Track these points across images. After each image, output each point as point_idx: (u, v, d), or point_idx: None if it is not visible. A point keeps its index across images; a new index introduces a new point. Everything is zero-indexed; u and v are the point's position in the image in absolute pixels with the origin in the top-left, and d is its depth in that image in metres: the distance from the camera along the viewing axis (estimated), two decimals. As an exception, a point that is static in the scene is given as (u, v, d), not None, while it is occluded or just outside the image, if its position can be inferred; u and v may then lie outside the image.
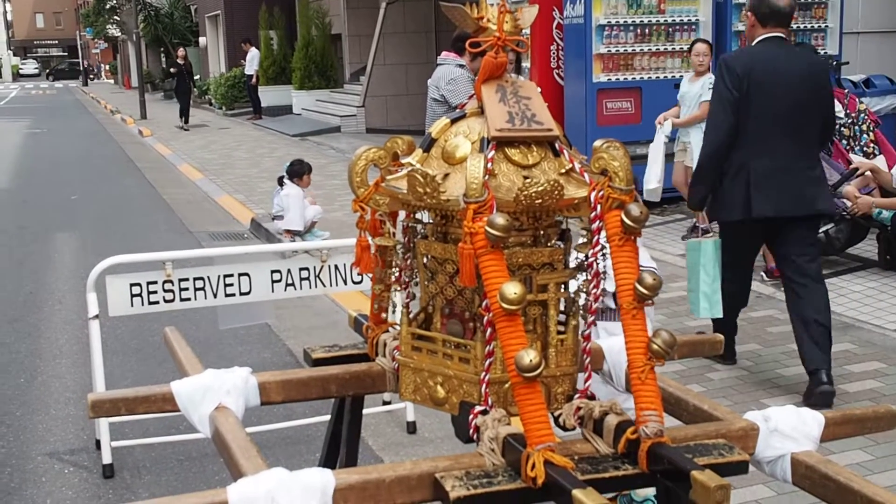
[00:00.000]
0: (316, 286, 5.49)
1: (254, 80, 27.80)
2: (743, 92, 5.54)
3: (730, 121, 5.61)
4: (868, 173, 8.33)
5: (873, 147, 9.49)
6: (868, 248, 8.65)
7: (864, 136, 9.53)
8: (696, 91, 9.67)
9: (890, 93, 11.76)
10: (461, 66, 7.65)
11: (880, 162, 8.88)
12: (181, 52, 28.94)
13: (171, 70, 28.74)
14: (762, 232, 5.86)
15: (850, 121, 9.47)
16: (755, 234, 5.93)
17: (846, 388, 5.86)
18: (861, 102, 9.78)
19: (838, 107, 9.29)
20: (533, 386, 2.31)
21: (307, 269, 5.45)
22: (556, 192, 2.45)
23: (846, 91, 10.00)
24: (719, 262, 5.80)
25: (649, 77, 11.20)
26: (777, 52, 5.65)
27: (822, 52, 11.33)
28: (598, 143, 2.57)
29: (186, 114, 27.27)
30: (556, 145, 2.63)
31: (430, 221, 2.72)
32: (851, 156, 9.04)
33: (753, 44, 5.75)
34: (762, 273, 8.24)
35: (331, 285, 5.52)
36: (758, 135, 5.60)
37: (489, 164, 2.47)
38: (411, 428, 5.56)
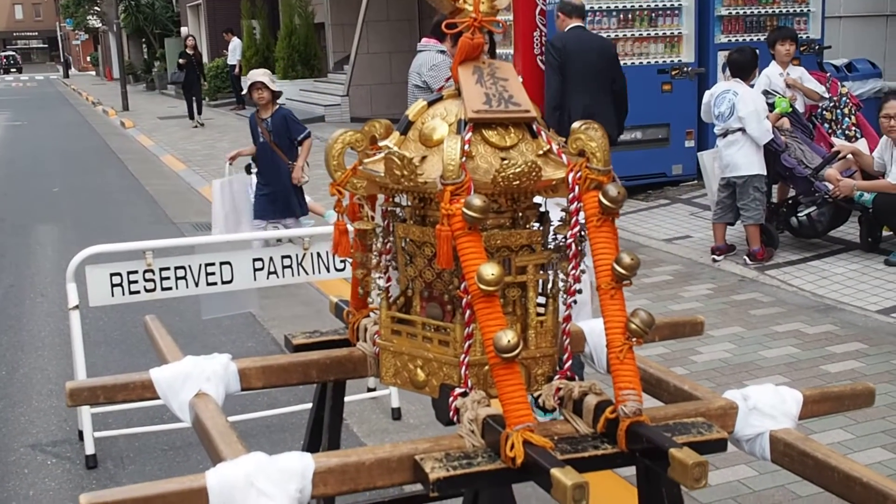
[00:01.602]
0: (298, 274, 5.48)
1: (236, 69, 27.67)
2: (562, 61, 8.18)
3: (558, 79, 8.44)
4: (850, 156, 8.36)
5: (855, 130, 9.51)
6: (850, 230, 8.68)
7: (846, 119, 9.55)
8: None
9: (872, 76, 11.79)
10: (442, 51, 7.64)
11: (862, 145, 8.91)
12: (190, 40, 26.02)
13: (180, 61, 24.99)
14: None
15: (832, 104, 9.49)
16: None
17: (828, 368, 5.88)
18: (843, 86, 9.80)
19: (821, 88, 9.32)
20: (511, 367, 2.32)
21: (289, 257, 5.43)
22: (534, 174, 2.45)
23: (828, 75, 10.01)
24: None
25: (633, 63, 11.18)
26: (580, 35, 8.23)
27: (804, 37, 11.34)
28: (576, 124, 2.57)
29: (199, 108, 24.55)
30: (534, 126, 2.63)
31: (409, 205, 2.72)
32: (833, 139, 9.06)
33: (565, 31, 8.21)
34: (745, 256, 8.26)
35: (313, 273, 5.51)
36: (573, 88, 8.31)
37: (466, 146, 2.47)
38: (396, 414, 5.56)
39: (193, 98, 24.28)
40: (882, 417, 5.13)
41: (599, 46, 8.49)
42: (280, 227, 8.40)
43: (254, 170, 10.21)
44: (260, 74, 8.60)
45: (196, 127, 23.31)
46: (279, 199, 8.74)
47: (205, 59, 34.31)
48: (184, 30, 37.96)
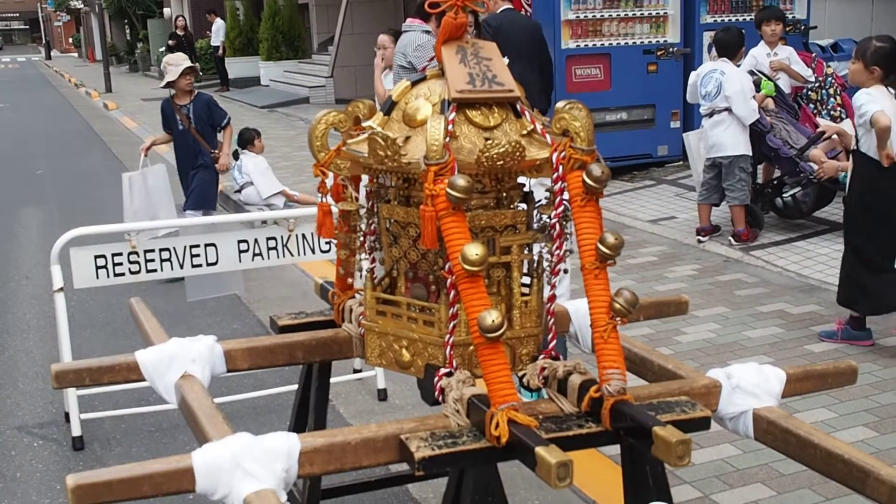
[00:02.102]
0: (284, 256, 5.47)
1: (220, 51, 27.53)
2: (495, 38, 7.74)
3: None
4: (835, 137, 8.37)
5: (840, 111, 9.52)
6: (835, 211, 8.70)
7: (832, 99, 9.56)
8: None
9: (857, 57, 11.79)
10: (427, 31, 7.61)
11: (847, 126, 8.89)
12: (180, 21, 25.25)
13: (170, 43, 23.82)
14: None
15: (817, 85, 9.50)
16: None
17: (812, 348, 5.91)
18: (828, 66, 9.80)
19: (809, 72, 9.33)
20: (496, 346, 2.33)
21: (274, 238, 5.42)
22: (518, 154, 2.46)
23: (814, 55, 10.02)
24: None
25: (618, 43, 11.16)
26: (511, 16, 8.47)
27: (790, 17, 11.32)
28: (560, 104, 2.57)
29: None
30: (518, 106, 2.64)
31: (393, 185, 2.72)
32: (818, 119, 9.06)
33: (497, 12, 8.34)
34: (730, 238, 8.29)
35: (298, 254, 5.49)
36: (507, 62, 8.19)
37: (450, 126, 2.47)
38: (382, 395, 5.57)
39: None
40: (865, 396, 5.16)
41: (528, 26, 9.10)
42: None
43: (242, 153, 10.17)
44: (185, 59, 8.37)
45: None
46: (197, 190, 8.35)
47: (187, 39, 34.01)
48: (167, 11, 37.75)
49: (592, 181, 2.45)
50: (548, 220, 2.60)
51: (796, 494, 4.22)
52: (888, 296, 5.93)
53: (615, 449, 2.68)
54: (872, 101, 5.70)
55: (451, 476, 2.60)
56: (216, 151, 8.37)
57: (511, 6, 9.03)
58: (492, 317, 2.26)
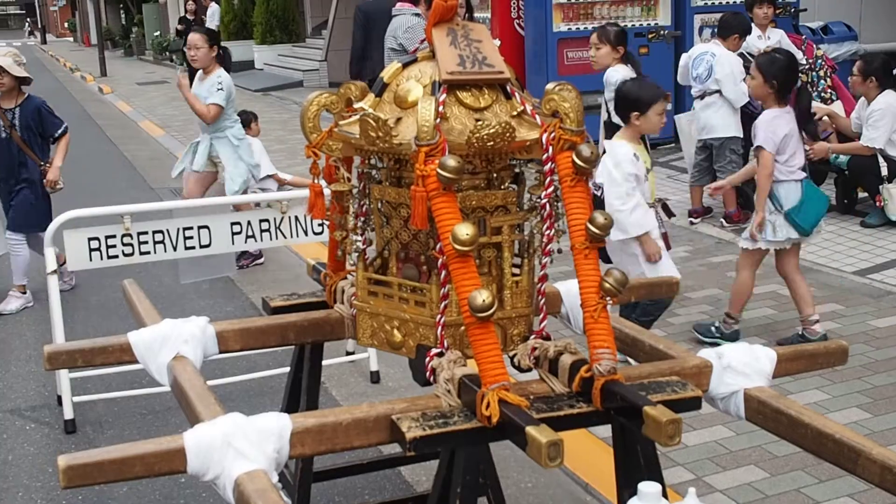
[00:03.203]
0: (276, 238, 5.47)
1: (214, 35, 27.43)
2: (365, 22, 9.77)
3: (362, 35, 9.84)
4: (826, 118, 8.38)
5: (831, 93, 9.53)
6: (826, 192, 8.68)
7: (822, 81, 9.56)
8: None
9: (847, 39, 11.80)
10: (417, 14, 7.63)
11: (837, 107, 8.93)
12: (190, 4, 23.25)
13: (178, 27, 22.59)
14: None
15: (807, 67, 9.50)
16: None
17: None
18: (819, 49, 9.81)
19: (800, 54, 9.32)
20: (487, 326, 2.33)
21: (267, 220, 5.42)
22: (508, 135, 2.46)
23: (804, 38, 10.01)
24: None
25: (610, 26, 11.16)
26: (381, 4, 9.38)
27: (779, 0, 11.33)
28: (549, 85, 2.58)
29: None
30: (508, 88, 2.64)
31: (384, 166, 2.72)
32: (810, 101, 9.07)
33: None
34: (721, 219, 8.30)
35: (291, 237, 5.49)
36: (375, 45, 9.39)
37: (441, 108, 2.48)
38: (375, 378, 5.58)
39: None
40: (858, 378, 5.18)
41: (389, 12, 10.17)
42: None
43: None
44: (1, 56, 7.09)
45: None
46: (19, 209, 7.22)
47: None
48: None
49: (582, 161, 2.46)
50: (538, 201, 2.60)
51: (789, 476, 4.24)
52: None
53: (607, 430, 2.69)
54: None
55: (442, 457, 2.61)
56: (45, 164, 7.26)
57: None
58: (482, 296, 2.26)
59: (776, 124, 5.58)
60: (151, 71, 31.04)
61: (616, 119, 6.17)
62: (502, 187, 2.67)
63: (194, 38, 7.77)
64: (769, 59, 5.77)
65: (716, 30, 8.55)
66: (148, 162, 13.90)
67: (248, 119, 10.19)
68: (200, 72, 7.89)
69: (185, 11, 23.14)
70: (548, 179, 2.54)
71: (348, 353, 5.77)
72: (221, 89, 7.69)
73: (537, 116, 2.57)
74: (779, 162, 5.58)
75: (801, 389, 4.99)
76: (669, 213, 5.71)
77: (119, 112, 20.86)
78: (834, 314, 6.19)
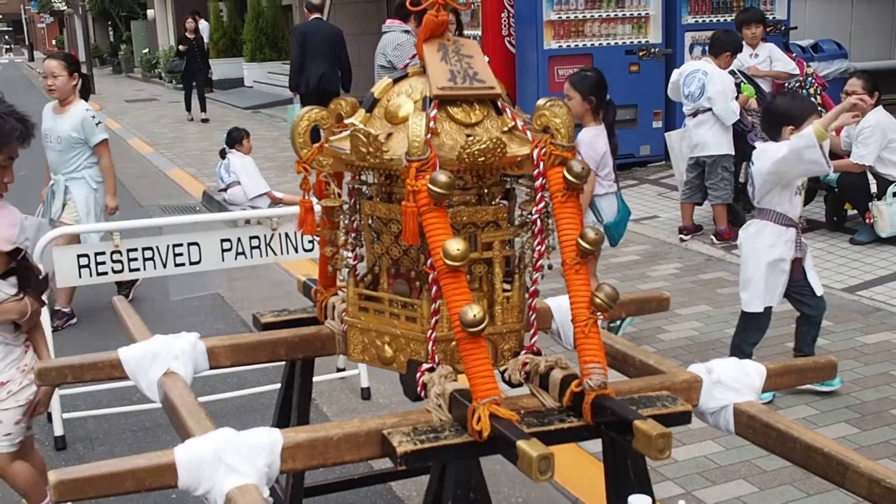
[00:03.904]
0: (266, 255, 5.46)
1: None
2: (303, 40, 11.88)
3: (299, 52, 11.95)
4: (815, 135, 8.42)
5: (821, 110, 9.57)
6: (815, 209, 8.76)
7: (812, 99, 9.62)
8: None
9: (838, 57, 11.87)
10: (407, 31, 7.68)
11: (827, 125, 8.96)
12: (190, 23, 21.43)
13: (180, 48, 21.02)
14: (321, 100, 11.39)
15: (798, 85, 9.55)
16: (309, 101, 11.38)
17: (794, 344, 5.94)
18: (809, 66, 9.87)
19: (791, 64, 9.34)
20: (478, 341, 2.34)
21: (257, 237, 5.41)
22: (499, 150, 2.47)
23: (794, 55, 10.07)
24: None
25: (600, 44, 11.19)
26: (318, 24, 12.02)
27: (770, 17, 11.37)
28: (540, 101, 2.59)
29: (202, 103, 20.41)
30: (499, 103, 2.65)
31: (375, 182, 2.73)
32: (799, 119, 9.09)
33: (308, 20, 12.03)
34: (712, 236, 8.33)
35: (282, 253, 5.49)
36: (311, 60, 11.94)
37: (432, 123, 2.49)
38: (365, 394, 5.57)
39: (194, 88, 20.47)
40: (847, 393, 5.20)
41: (330, 32, 12.23)
42: None
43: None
44: None
45: (191, 120, 20.47)
46: None
47: (171, 41, 33.65)
48: (150, 13, 37.61)
49: (573, 177, 2.47)
50: (529, 217, 2.61)
51: (778, 490, 4.25)
52: None
53: (597, 445, 2.69)
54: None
55: (433, 472, 2.61)
56: None
57: (321, 16, 12.38)
58: (473, 311, 2.27)
59: (597, 142, 5.90)
60: (140, 88, 31.06)
61: None
62: (493, 203, 2.67)
63: (51, 64, 7.05)
64: (581, 76, 5.96)
65: (707, 47, 8.57)
66: (137, 179, 13.87)
67: (239, 136, 10.20)
68: (55, 103, 7.16)
69: (185, 30, 21.60)
70: (539, 195, 2.55)
71: (339, 370, 5.76)
72: (100, 122, 7.25)
73: (528, 132, 2.59)
74: (599, 176, 5.91)
75: (790, 405, 5.01)
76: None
77: (107, 129, 20.83)
78: (823, 330, 6.18)
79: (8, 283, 3.63)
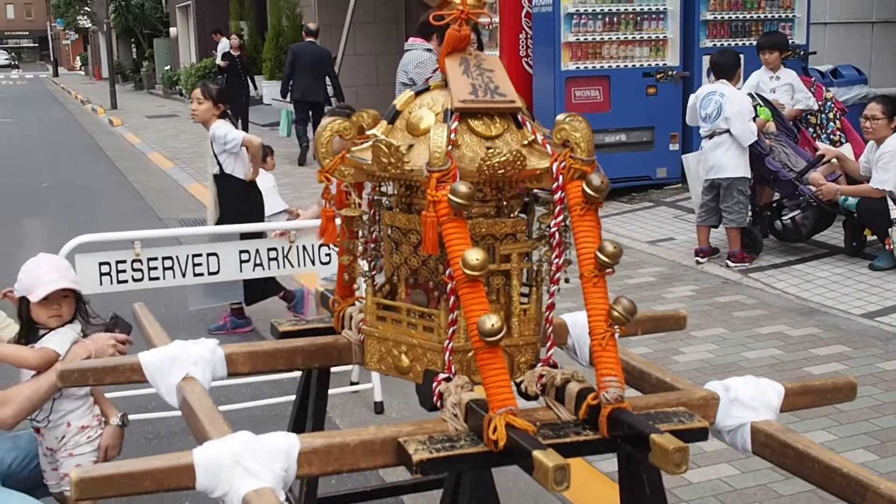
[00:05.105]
0: (284, 266, 5.50)
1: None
2: (294, 58, 15.11)
3: (290, 68, 15.27)
4: (834, 161, 8.42)
5: (839, 135, 9.58)
6: (834, 234, 8.74)
7: (831, 124, 9.62)
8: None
9: (857, 83, 11.86)
10: (428, 50, 7.75)
11: (846, 150, 8.97)
12: (234, 40, 20.35)
13: (221, 64, 20.11)
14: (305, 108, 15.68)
15: (816, 109, 9.55)
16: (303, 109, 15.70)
17: (811, 370, 5.93)
18: (828, 91, 9.87)
19: (812, 101, 9.36)
20: (495, 351, 2.34)
21: (275, 249, 5.45)
22: (519, 163, 2.48)
23: (813, 80, 10.08)
24: None
25: (617, 66, 11.23)
26: (309, 46, 15.25)
27: (790, 42, 11.39)
28: (560, 116, 2.60)
29: (245, 122, 18.44)
30: (519, 117, 2.67)
31: (395, 193, 2.75)
32: (818, 143, 9.11)
33: (304, 42, 15.63)
34: (727, 259, 8.31)
35: (299, 266, 5.52)
36: (300, 74, 15.18)
37: (453, 135, 2.50)
38: (379, 408, 5.58)
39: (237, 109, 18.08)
40: (865, 419, 5.17)
41: (318, 53, 15.39)
42: None
43: None
44: None
45: None
46: None
47: (192, 58, 33.80)
48: (173, 30, 37.83)
49: (592, 191, 2.48)
50: (547, 230, 2.62)
51: (792, 513, 4.23)
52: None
53: (612, 465, 2.69)
54: None
55: (447, 484, 2.61)
56: None
57: (313, 40, 15.54)
58: (491, 321, 2.28)
59: None
60: (161, 104, 31.27)
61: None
62: (512, 215, 2.69)
63: (195, 93, 7.13)
64: None
65: (712, 74, 8.53)
66: (156, 193, 13.97)
67: (264, 154, 10.22)
68: None
69: (230, 47, 20.48)
70: (557, 208, 2.56)
71: (352, 384, 5.78)
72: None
73: (548, 146, 2.60)
74: None
75: (808, 429, 4.98)
76: None
77: (129, 144, 21.00)
78: (841, 356, 6.19)
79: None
